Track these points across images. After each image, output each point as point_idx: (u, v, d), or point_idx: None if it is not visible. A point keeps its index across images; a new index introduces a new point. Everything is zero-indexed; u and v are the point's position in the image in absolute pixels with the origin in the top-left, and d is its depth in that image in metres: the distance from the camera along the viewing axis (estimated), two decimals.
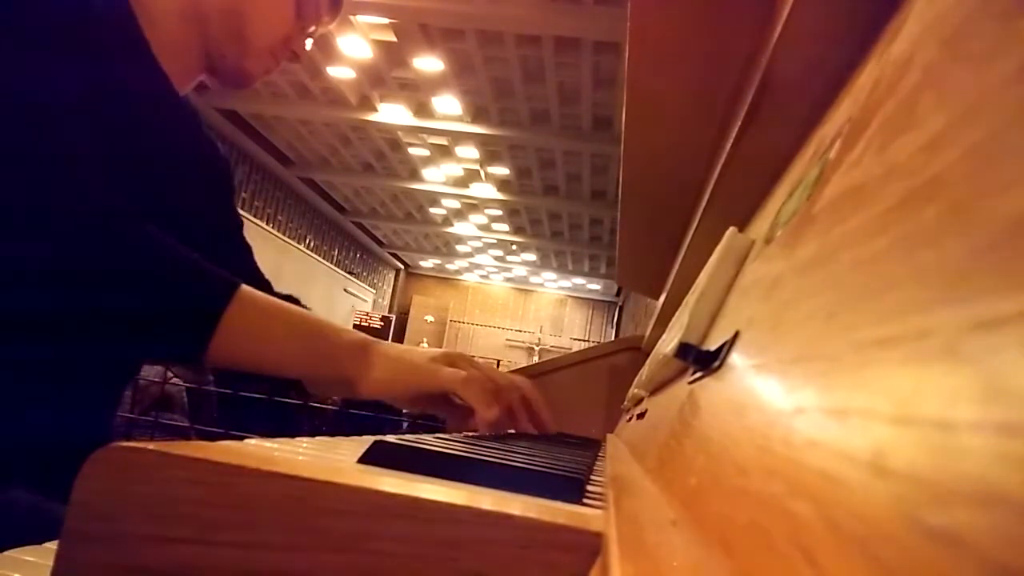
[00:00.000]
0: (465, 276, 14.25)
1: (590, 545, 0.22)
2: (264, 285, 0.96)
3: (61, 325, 0.58)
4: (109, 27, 0.68)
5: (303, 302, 1.01)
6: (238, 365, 0.64)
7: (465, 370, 0.68)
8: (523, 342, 13.75)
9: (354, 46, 5.51)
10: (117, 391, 0.82)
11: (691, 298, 0.50)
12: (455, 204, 9.38)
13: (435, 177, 8.36)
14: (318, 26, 0.87)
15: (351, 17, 5.09)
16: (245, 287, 0.62)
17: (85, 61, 0.64)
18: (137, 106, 0.69)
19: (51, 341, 0.61)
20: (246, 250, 0.95)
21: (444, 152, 7.52)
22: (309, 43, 0.88)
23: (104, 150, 0.64)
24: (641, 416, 0.74)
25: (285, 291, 1.00)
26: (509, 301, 14.28)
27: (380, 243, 12.35)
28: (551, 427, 0.85)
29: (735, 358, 0.30)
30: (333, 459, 0.34)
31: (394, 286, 14.10)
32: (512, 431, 0.74)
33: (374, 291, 12.98)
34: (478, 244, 11.47)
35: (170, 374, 2.37)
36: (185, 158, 0.79)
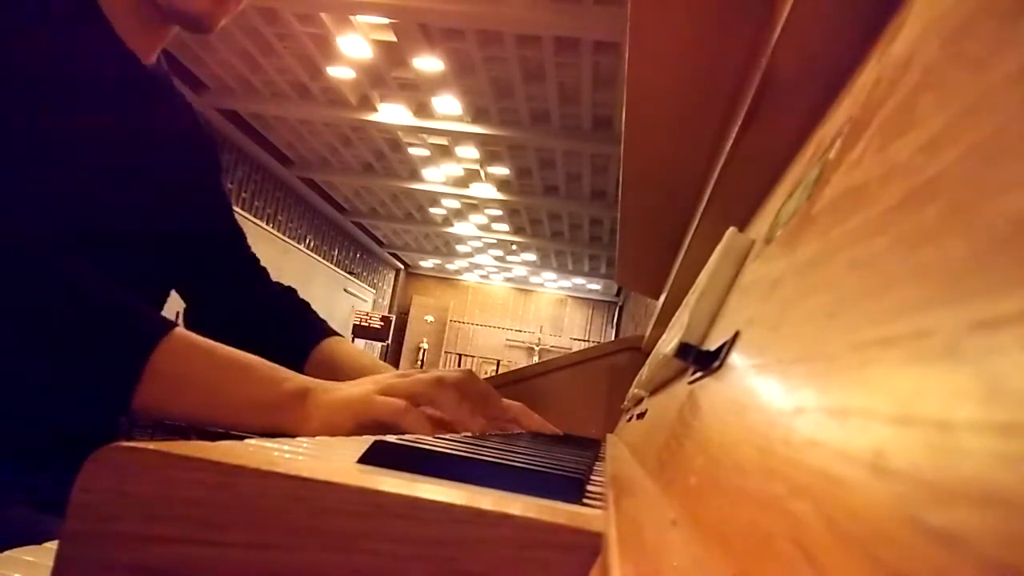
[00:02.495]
0: (465, 276, 14.25)
1: (590, 545, 0.22)
2: (258, 272, 0.94)
3: None
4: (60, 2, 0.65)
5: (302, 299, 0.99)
6: (168, 415, 0.59)
7: (400, 390, 0.64)
8: (523, 342, 13.75)
9: (354, 46, 5.51)
10: None
11: (691, 298, 0.50)
12: (455, 204, 9.38)
13: (435, 177, 8.36)
14: None
15: (351, 17, 5.09)
16: (179, 331, 0.57)
17: (33, 35, 0.61)
18: (94, 79, 0.67)
19: None
20: (237, 231, 0.91)
21: (444, 152, 7.52)
22: None
23: (57, 132, 0.61)
24: (641, 416, 0.74)
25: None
26: (509, 301, 14.28)
27: (380, 243, 12.35)
28: (508, 420, 0.81)
29: (735, 358, 0.30)
30: (333, 459, 0.34)
31: (394, 286, 14.10)
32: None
33: (374, 291, 12.98)
34: (478, 244, 11.47)
35: None
36: (154, 131, 0.75)
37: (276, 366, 0.64)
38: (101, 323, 0.56)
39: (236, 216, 0.94)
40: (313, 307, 0.98)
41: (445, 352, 13.75)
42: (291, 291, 0.96)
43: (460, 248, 11.97)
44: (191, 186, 0.82)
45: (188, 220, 0.82)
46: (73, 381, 0.56)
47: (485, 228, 10.34)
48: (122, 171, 0.69)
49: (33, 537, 0.43)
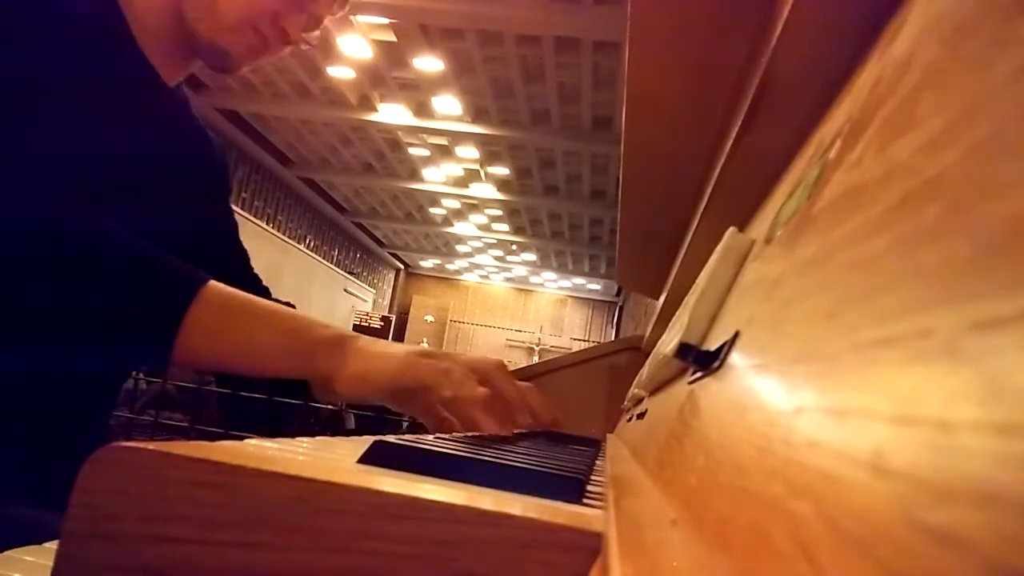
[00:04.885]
0: (465, 276, 14.25)
1: (590, 545, 0.22)
2: (261, 292, 0.94)
3: (12, 327, 0.55)
4: (88, 13, 0.66)
5: (302, 304, 0.99)
6: (207, 365, 0.60)
7: (443, 362, 0.65)
8: (523, 342, 13.75)
9: (354, 46, 5.51)
10: (112, 389, 0.81)
11: (691, 298, 0.50)
12: (455, 204, 9.38)
13: (435, 177, 8.36)
14: (322, 7, 0.79)
15: (351, 17, 5.09)
16: (213, 283, 0.58)
17: (57, 46, 0.62)
18: (116, 94, 0.67)
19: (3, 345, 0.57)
20: (241, 253, 0.92)
21: (444, 152, 7.52)
22: (315, 32, 0.80)
23: (70, 138, 0.62)
24: (641, 416, 0.74)
25: (284, 299, 0.98)
26: (509, 301, 14.28)
27: (380, 243, 12.35)
28: (548, 417, 0.77)
29: (735, 358, 0.30)
30: (333, 459, 0.34)
31: (394, 286, 14.10)
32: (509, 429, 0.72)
33: (374, 291, 12.98)
34: (478, 244, 11.47)
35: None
36: (169, 149, 0.76)
37: (312, 317, 0.65)
38: (139, 277, 0.56)
39: (240, 224, 0.94)
40: (313, 307, 0.98)
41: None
42: (289, 308, 0.97)
43: (460, 248, 11.97)
44: (198, 207, 0.83)
45: (192, 239, 0.82)
46: (113, 335, 0.56)
47: (485, 228, 10.34)
48: (128, 186, 0.70)
49: (33, 537, 0.43)
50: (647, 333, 1.35)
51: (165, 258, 0.58)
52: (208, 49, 0.75)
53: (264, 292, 0.94)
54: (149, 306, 0.56)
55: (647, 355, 1.17)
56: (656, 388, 0.68)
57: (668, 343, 0.53)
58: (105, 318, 0.56)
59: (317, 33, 0.81)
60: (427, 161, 7.89)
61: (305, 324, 0.63)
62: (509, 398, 0.68)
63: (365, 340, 0.65)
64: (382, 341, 0.66)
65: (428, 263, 13.74)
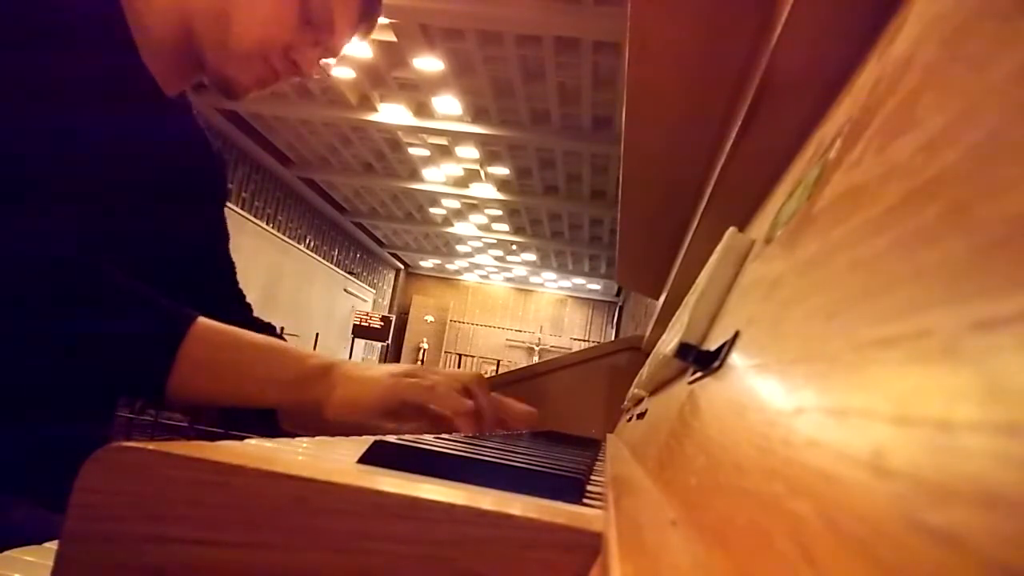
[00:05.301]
0: (465, 276, 14.25)
1: (590, 545, 0.22)
2: (243, 308, 0.93)
3: (11, 366, 0.56)
4: (88, 17, 0.65)
5: (301, 304, 0.98)
6: (201, 400, 0.62)
7: (427, 379, 0.68)
8: (523, 342, 13.75)
9: (354, 46, 5.50)
10: (109, 407, 0.81)
11: (691, 298, 0.50)
12: (455, 204, 9.38)
13: (435, 177, 8.36)
14: (337, 38, 0.79)
15: None
16: (202, 320, 0.60)
17: (51, 50, 0.61)
18: (106, 100, 0.67)
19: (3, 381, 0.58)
20: (229, 267, 0.91)
21: (444, 152, 7.52)
22: (332, 60, 0.81)
23: (60, 143, 0.62)
24: (641, 416, 0.74)
25: (284, 298, 0.97)
26: (509, 301, 14.28)
27: (380, 243, 12.35)
28: (523, 422, 0.83)
29: (735, 358, 0.30)
30: (333, 459, 0.34)
31: (394, 286, 14.10)
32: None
33: (374, 291, 12.98)
34: (478, 244, 11.47)
35: None
36: (161, 160, 0.75)
37: (297, 347, 0.68)
38: (132, 315, 0.57)
39: (240, 224, 0.93)
40: (313, 307, 0.98)
41: (445, 352, 13.75)
42: (271, 329, 0.96)
43: (460, 248, 11.97)
44: (190, 217, 0.82)
45: (180, 249, 0.81)
46: (106, 375, 0.58)
47: (485, 228, 10.34)
48: (118, 193, 0.69)
49: (33, 537, 0.43)
50: (647, 333, 1.35)
51: (155, 297, 0.59)
52: (214, 75, 0.75)
53: (247, 309, 0.93)
54: (143, 343, 0.58)
55: (647, 355, 1.17)
56: (656, 388, 0.68)
57: (668, 343, 0.53)
58: (100, 356, 0.57)
59: (332, 62, 0.81)
60: (427, 161, 7.89)
61: (293, 355, 0.66)
62: (482, 410, 0.72)
63: (349, 366, 0.67)
64: (368, 365, 0.70)
65: (428, 263, 13.74)
